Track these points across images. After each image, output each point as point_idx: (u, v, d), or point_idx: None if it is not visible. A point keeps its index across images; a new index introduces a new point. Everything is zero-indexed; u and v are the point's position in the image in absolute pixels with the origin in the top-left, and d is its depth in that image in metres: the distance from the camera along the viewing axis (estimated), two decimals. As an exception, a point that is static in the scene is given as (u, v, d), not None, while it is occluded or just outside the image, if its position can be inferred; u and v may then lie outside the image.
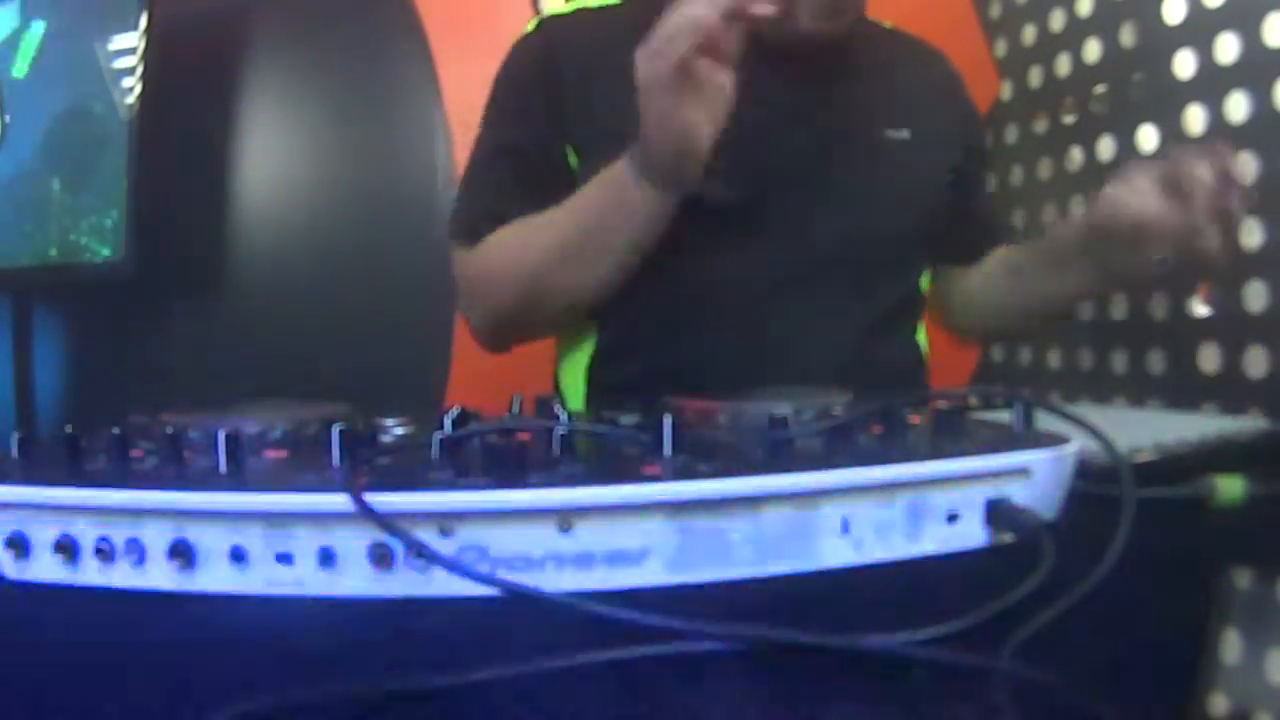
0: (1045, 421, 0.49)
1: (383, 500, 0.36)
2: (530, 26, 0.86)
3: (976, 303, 0.97)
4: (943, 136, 0.89)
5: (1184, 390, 0.99)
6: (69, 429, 0.43)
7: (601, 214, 0.74)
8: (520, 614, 0.35)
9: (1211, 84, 0.94)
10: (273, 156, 1.48)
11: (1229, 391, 0.93)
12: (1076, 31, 1.18)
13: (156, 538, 0.38)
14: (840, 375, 0.68)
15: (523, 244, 0.79)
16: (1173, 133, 1.01)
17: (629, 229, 0.73)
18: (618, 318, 0.84)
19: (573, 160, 0.83)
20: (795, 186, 0.81)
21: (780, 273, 0.81)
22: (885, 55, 0.91)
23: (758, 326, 0.80)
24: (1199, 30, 0.96)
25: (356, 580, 0.37)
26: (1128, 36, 1.08)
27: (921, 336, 0.95)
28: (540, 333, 0.91)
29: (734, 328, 0.80)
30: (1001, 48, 1.35)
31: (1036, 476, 0.43)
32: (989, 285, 0.95)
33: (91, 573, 0.39)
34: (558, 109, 0.81)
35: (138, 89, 1.26)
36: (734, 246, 0.79)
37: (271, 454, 0.46)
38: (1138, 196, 0.69)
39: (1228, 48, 0.92)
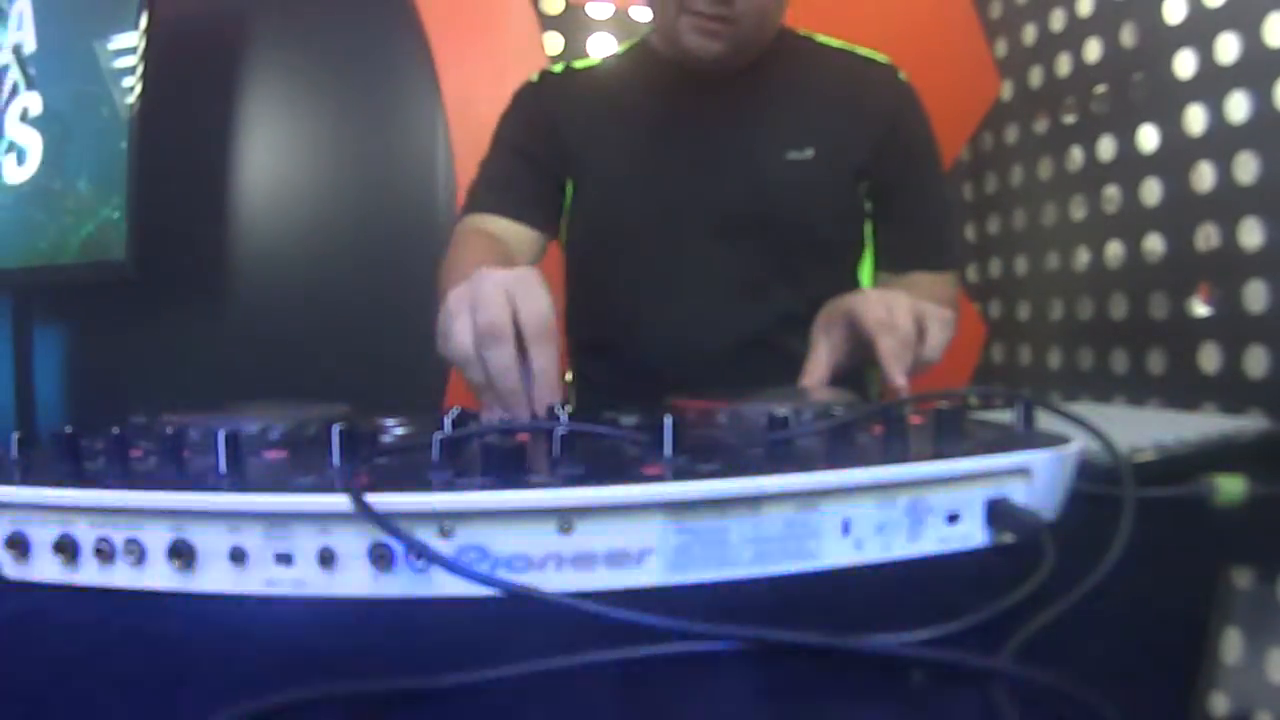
0: (1046, 421, 0.49)
1: (383, 500, 0.36)
2: (534, 77, 1.01)
3: None
4: (848, 148, 0.93)
5: (1184, 390, 0.99)
6: (69, 429, 0.43)
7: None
8: (520, 614, 0.35)
9: (1211, 84, 0.94)
10: (273, 156, 1.48)
11: (1229, 391, 0.93)
12: (1077, 31, 1.18)
13: (156, 538, 0.38)
14: (780, 369, 0.79)
15: (450, 257, 0.91)
16: (1173, 133, 1.01)
17: None
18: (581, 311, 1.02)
19: (569, 190, 0.97)
20: (700, 209, 0.92)
21: (695, 296, 0.94)
22: (799, 73, 0.96)
23: (687, 335, 0.93)
24: (1199, 30, 0.96)
25: (356, 580, 0.37)
26: (1128, 36, 1.08)
27: None
28: None
29: (666, 335, 0.95)
30: (1001, 48, 1.35)
31: (1037, 476, 0.43)
32: None
33: (91, 573, 0.39)
34: (554, 146, 0.96)
35: (138, 89, 1.26)
36: (646, 281, 0.95)
37: (271, 454, 0.46)
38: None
39: (1228, 48, 0.92)
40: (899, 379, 0.66)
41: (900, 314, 0.69)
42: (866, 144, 0.94)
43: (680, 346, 0.93)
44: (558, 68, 1.03)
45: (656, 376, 0.87)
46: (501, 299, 0.57)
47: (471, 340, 0.57)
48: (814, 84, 0.97)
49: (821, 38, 1.01)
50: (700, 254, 0.93)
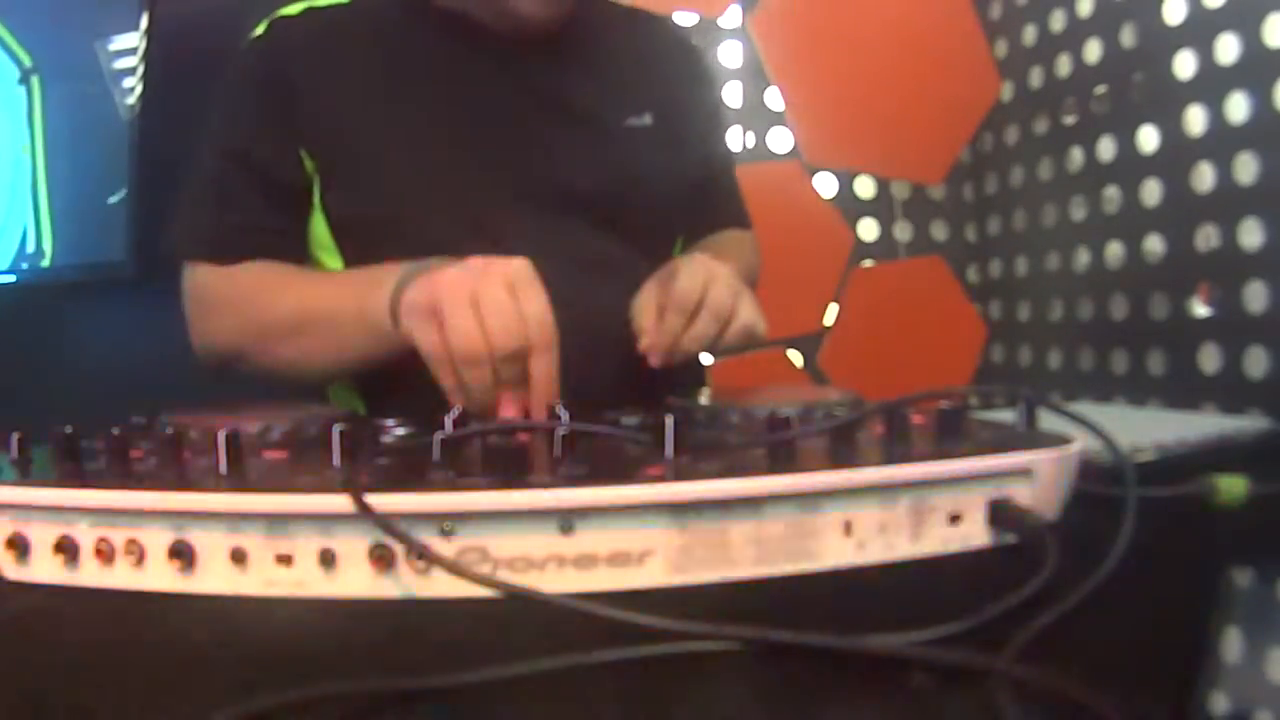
0: (1047, 421, 0.49)
1: (383, 500, 0.36)
2: (259, 29, 0.82)
3: None
4: (685, 115, 0.88)
5: (1184, 390, 0.99)
6: (69, 429, 0.43)
7: (343, 323, 0.69)
8: (520, 615, 0.35)
9: (1211, 84, 0.94)
10: (273, 157, 1.47)
11: (1229, 391, 0.93)
12: (1077, 32, 1.18)
13: (156, 538, 0.38)
14: (612, 349, 0.71)
15: (264, 299, 0.76)
16: (1173, 133, 1.01)
17: (368, 347, 0.69)
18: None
19: (309, 165, 0.78)
20: (535, 180, 0.79)
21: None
22: (625, 38, 0.89)
23: None
24: (1199, 30, 0.96)
25: (356, 580, 0.37)
26: (1128, 37, 1.08)
27: None
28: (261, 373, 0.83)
29: None
30: (1001, 48, 1.35)
31: (1039, 477, 0.43)
32: None
33: (91, 573, 0.39)
34: (290, 112, 0.77)
35: (138, 89, 1.26)
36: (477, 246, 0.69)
37: (271, 454, 0.46)
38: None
39: (1228, 48, 0.92)
40: (653, 358, 0.67)
41: (717, 289, 0.68)
42: (693, 107, 0.90)
43: None
44: (293, 9, 0.83)
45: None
46: (510, 304, 0.55)
47: (481, 343, 0.55)
48: (631, 45, 0.88)
49: None
50: (532, 236, 0.71)
